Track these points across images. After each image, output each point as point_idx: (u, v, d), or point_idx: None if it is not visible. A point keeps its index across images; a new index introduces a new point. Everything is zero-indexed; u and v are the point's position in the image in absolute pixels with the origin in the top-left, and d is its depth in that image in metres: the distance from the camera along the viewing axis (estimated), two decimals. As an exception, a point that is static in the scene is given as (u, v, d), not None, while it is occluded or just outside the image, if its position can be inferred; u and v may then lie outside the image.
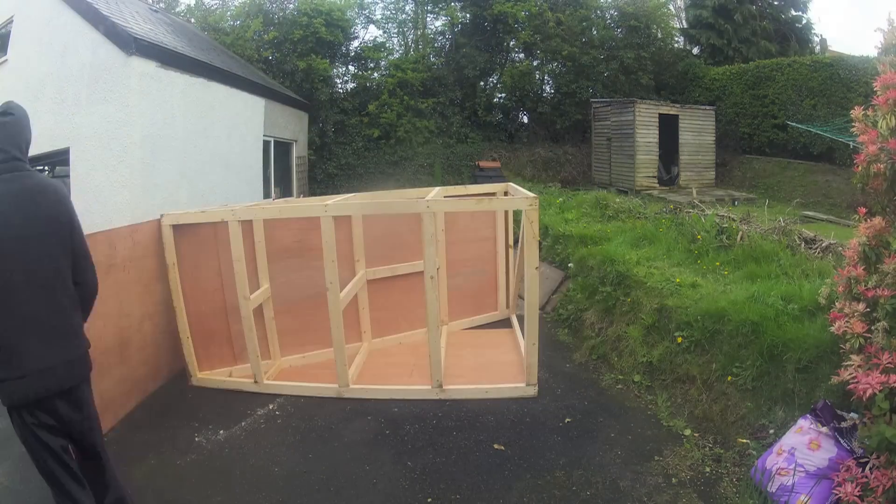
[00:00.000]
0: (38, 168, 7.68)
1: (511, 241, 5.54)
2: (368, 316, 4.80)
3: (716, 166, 13.09)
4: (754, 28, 15.57)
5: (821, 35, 17.08)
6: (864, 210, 2.66)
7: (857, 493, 2.22)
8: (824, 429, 2.47)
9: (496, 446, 3.21)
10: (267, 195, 9.38)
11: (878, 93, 2.48)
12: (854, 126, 2.65)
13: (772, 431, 2.87)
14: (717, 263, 4.45)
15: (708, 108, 13.25)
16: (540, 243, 4.63)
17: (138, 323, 3.84)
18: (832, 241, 4.93)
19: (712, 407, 3.28)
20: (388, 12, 16.17)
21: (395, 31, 16.40)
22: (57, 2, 6.19)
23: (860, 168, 2.53)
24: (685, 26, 17.10)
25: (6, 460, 3.25)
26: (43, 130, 6.25)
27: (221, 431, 3.51)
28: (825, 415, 2.51)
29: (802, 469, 2.43)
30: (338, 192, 9.39)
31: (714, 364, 3.40)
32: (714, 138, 13.00)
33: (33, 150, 7.46)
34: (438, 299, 3.84)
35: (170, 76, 6.54)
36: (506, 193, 5.17)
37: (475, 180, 12.01)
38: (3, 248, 1.99)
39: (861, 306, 2.51)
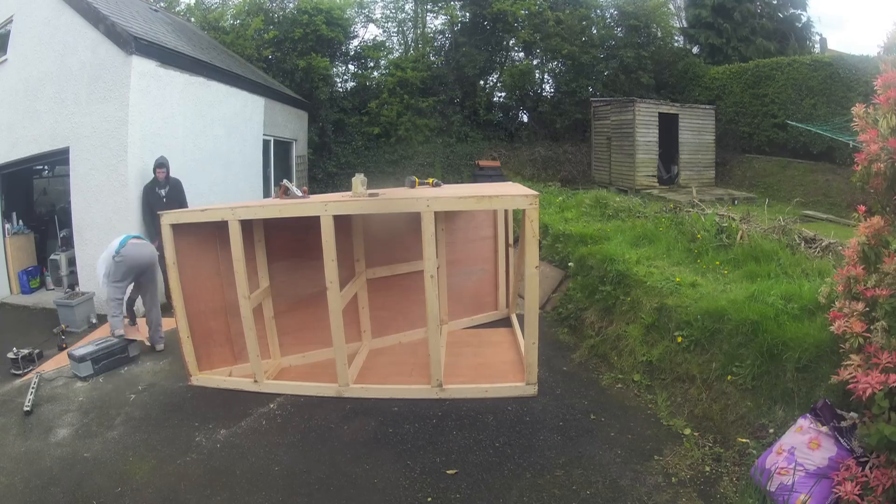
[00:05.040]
0: (38, 167, 7.68)
1: (511, 240, 5.54)
2: (368, 315, 4.80)
3: (716, 165, 13.09)
4: (753, 27, 15.57)
5: (820, 34, 17.08)
6: (863, 208, 2.65)
7: (857, 492, 2.22)
8: (824, 428, 2.47)
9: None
10: (267, 194, 9.38)
11: (879, 91, 2.48)
12: (855, 123, 2.64)
13: (771, 431, 2.87)
14: (717, 262, 4.45)
15: (708, 107, 13.24)
16: (540, 242, 4.63)
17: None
18: (832, 241, 4.93)
19: (712, 406, 3.28)
20: (388, 11, 16.18)
21: (395, 29, 16.41)
22: (57, 1, 6.18)
23: (860, 167, 2.53)
24: (685, 26, 17.10)
25: (6, 459, 3.25)
26: (43, 130, 6.29)
27: (221, 431, 3.51)
28: (825, 414, 2.51)
29: (802, 468, 2.43)
30: (338, 192, 9.39)
31: (714, 363, 3.40)
32: (714, 137, 13.00)
33: (32, 150, 7.43)
34: (438, 298, 3.84)
35: (169, 75, 6.54)
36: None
37: (475, 179, 12.02)
38: None
39: (860, 306, 2.51)
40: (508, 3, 14.06)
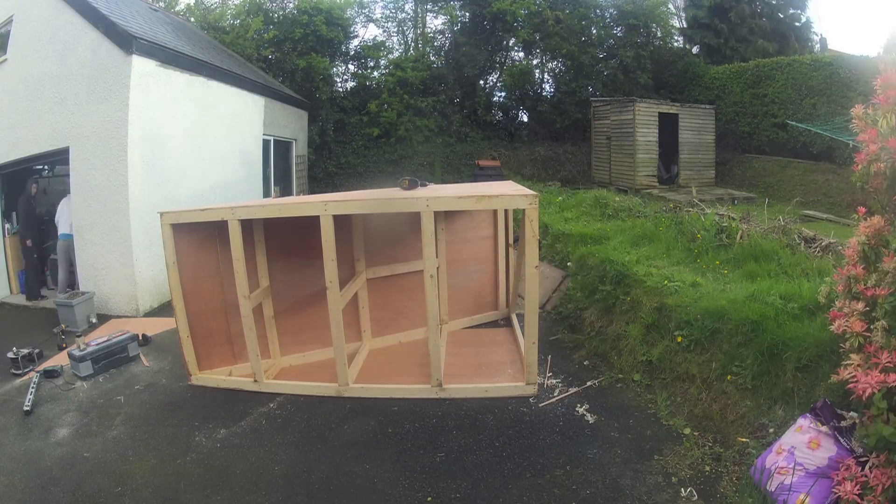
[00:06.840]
0: (37, 167, 7.68)
1: (511, 240, 5.54)
2: (368, 315, 4.80)
3: (715, 165, 13.08)
4: (752, 27, 15.56)
5: (820, 34, 17.09)
6: (863, 210, 2.66)
7: (857, 492, 2.22)
8: (824, 428, 2.47)
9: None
10: (267, 194, 9.39)
11: (879, 91, 2.48)
12: (854, 124, 2.64)
13: (771, 430, 2.87)
14: (717, 262, 4.45)
15: (708, 107, 13.24)
16: (540, 242, 4.63)
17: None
18: (832, 240, 4.93)
19: (712, 406, 3.28)
20: (388, 11, 16.18)
21: (395, 29, 16.41)
22: (57, 1, 6.18)
23: (860, 167, 2.53)
24: (685, 26, 17.10)
25: (6, 459, 3.25)
26: (43, 130, 6.29)
27: (222, 430, 3.51)
28: (825, 414, 2.51)
29: (802, 468, 2.43)
30: (338, 191, 9.39)
31: (714, 363, 3.40)
32: (714, 137, 12.99)
33: (32, 150, 7.41)
34: (438, 298, 3.84)
35: (169, 75, 6.54)
36: None
37: (475, 179, 12.01)
38: None
39: (860, 305, 2.50)
40: (508, 2, 14.05)
